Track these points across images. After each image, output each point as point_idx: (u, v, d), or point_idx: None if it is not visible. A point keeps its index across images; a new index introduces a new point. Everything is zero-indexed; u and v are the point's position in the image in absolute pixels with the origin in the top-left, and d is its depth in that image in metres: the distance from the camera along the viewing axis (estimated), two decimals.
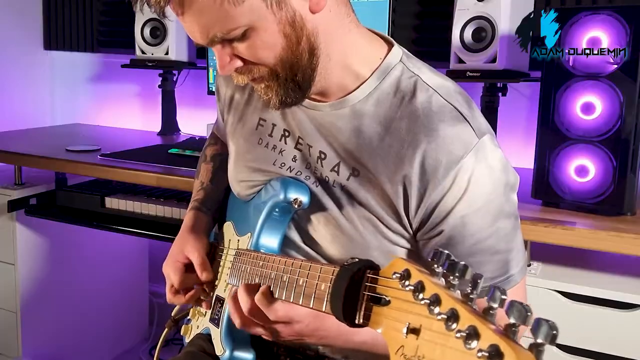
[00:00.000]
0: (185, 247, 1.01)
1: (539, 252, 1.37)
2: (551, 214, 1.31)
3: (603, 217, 1.28)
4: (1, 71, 2.44)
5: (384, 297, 0.59)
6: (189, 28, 0.77)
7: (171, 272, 1.00)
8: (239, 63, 0.79)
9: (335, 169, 0.86)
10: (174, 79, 2.23)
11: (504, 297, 0.45)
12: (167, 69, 2.16)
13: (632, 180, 1.27)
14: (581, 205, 1.32)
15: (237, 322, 0.84)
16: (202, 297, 1.02)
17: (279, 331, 0.82)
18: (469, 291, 0.48)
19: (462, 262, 0.50)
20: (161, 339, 1.15)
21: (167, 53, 2.08)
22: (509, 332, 0.43)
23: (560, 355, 1.26)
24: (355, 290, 0.63)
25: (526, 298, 0.89)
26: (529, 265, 1.33)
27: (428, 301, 0.49)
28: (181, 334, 1.12)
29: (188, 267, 1.01)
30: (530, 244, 1.32)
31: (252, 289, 0.82)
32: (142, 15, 2.05)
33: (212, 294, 1.02)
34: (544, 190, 1.36)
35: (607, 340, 1.23)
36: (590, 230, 1.21)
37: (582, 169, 1.31)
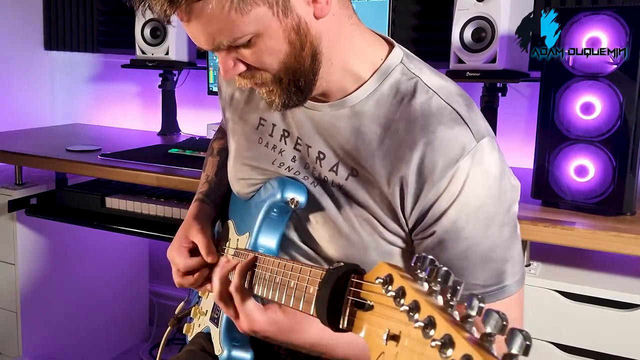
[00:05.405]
0: (190, 232, 1.01)
1: (539, 252, 1.37)
2: (551, 214, 1.31)
3: (603, 217, 1.28)
4: (1, 71, 2.44)
5: (367, 302, 0.58)
6: (193, 34, 0.76)
7: (175, 256, 1.00)
8: (242, 68, 0.79)
9: (334, 169, 0.87)
10: (174, 79, 2.23)
11: (482, 305, 0.45)
12: (167, 69, 2.16)
13: (631, 180, 1.27)
14: (581, 205, 1.32)
15: (215, 289, 0.87)
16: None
17: (239, 321, 0.84)
18: (449, 297, 0.47)
19: (445, 268, 0.49)
20: (164, 338, 1.15)
21: (167, 53, 2.08)
22: (484, 342, 0.42)
23: (560, 355, 1.26)
24: (340, 295, 0.63)
25: (522, 310, 0.86)
26: (529, 265, 1.33)
27: (407, 308, 0.48)
28: (183, 332, 1.12)
29: (192, 253, 1.01)
30: (530, 244, 1.32)
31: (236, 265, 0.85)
32: (143, 16, 2.04)
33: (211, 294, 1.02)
34: (543, 190, 1.36)
35: (607, 340, 1.23)
36: (589, 230, 1.21)
37: (582, 169, 1.31)
